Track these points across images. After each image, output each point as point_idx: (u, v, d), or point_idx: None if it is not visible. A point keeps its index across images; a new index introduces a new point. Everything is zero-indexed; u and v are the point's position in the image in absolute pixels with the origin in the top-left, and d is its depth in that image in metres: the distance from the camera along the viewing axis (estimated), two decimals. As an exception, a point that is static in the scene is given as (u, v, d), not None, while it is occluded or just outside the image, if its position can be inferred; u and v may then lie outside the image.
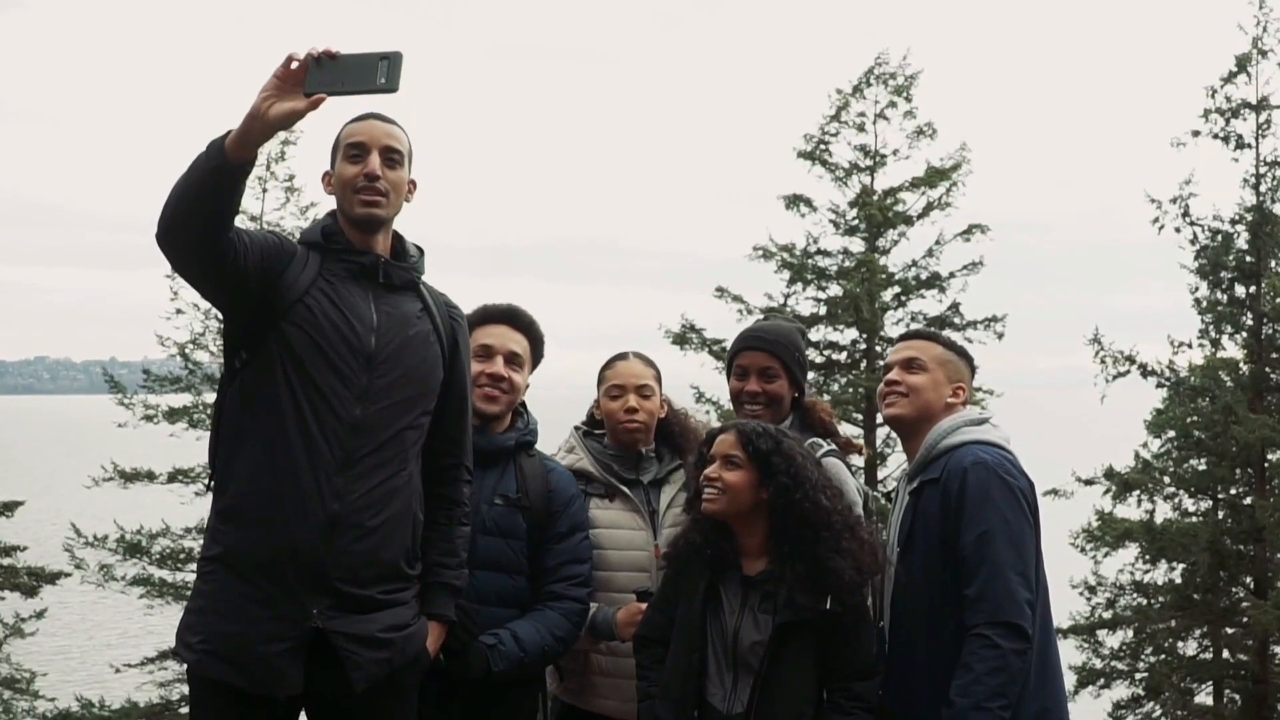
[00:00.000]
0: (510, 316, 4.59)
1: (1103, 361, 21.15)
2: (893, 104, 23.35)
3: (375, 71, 3.28)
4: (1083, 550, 21.61)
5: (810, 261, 23.26)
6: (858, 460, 4.97)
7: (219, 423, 3.81)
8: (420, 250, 4.02)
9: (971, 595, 3.98)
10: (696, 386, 23.05)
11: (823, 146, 23.38)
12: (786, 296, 23.25)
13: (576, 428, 5.00)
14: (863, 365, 23.22)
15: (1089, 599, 22.02)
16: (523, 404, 4.63)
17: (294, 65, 3.31)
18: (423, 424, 3.90)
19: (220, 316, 3.86)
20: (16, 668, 22.43)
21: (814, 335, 23.30)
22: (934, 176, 23.14)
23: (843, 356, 23.53)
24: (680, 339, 23.19)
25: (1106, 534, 21.14)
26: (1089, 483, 21.45)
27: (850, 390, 22.78)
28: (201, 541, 3.88)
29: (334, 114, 3.73)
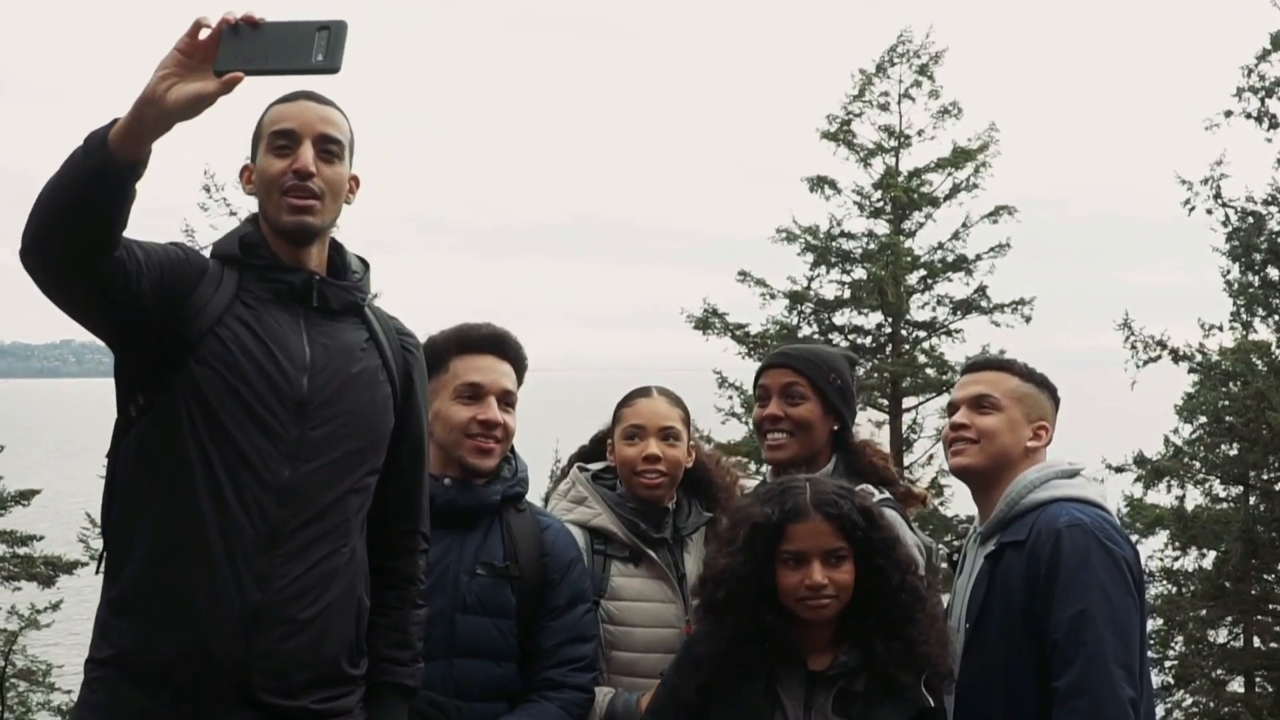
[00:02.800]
0: (497, 344, 3.77)
1: (1133, 347, 20.85)
2: (917, 83, 23.28)
3: (311, 45, 2.54)
4: (1111, 537, 21.32)
5: (834, 244, 23.14)
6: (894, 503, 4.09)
7: (112, 485, 3.07)
8: (365, 264, 3.26)
9: (1063, 689, 3.34)
10: (719, 371, 23.03)
11: (846, 127, 23.30)
12: (810, 280, 23.16)
13: (581, 467, 4.18)
14: (888, 349, 23.10)
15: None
16: (510, 447, 3.86)
17: (203, 34, 2.60)
18: (369, 485, 3.13)
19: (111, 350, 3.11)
20: (33, 660, 22.42)
21: (838, 319, 23.36)
22: (960, 157, 23.06)
23: (868, 341, 23.43)
24: (703, 324, 23.14)
25: (1136, 520, 20.94)
26: (1119, 470, 21.19)
27: (875, 375, 22.62)
28: (90, 641, 3.11)
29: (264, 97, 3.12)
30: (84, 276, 2.72)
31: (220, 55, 2.56)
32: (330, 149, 3.07)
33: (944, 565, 4.05)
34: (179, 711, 2.88)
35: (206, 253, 3.15)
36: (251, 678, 2.89)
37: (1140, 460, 21.24)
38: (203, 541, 2.87)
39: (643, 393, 4.14)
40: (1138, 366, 20.86)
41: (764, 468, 4.45)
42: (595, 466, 4.17)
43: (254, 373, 2.94)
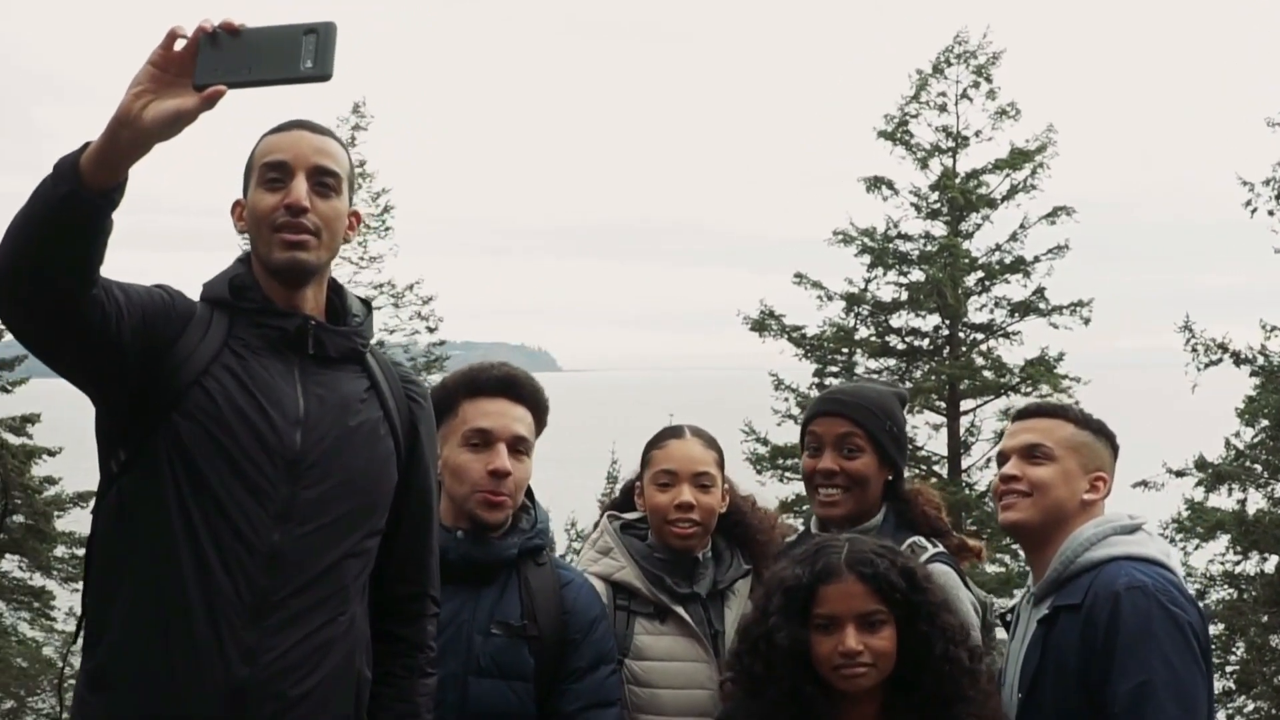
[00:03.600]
0: (509, 386, 3.50)
1: (1194, 349, 20.66)
2: (975, 84, 23.13)
3: (298, 51, 2.32)
4: (1172, 541, 21.16)
5: (891, 246, 23.09)
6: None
7: (92, 547, 2.87)
8: (367, 306, 3.04)
9: None
10: (775, 374, 23.03)
11: (903, 127, 23.21)
12: (867, 282, 23.14)
13: (612, 516, 3.94)
14: (945, 352, 23.00)
15: (1179, 591, 21.54)
16: (529, 495, 3.60)
17: (179, 44, 2.36)
18: (369, 548, 2.90)
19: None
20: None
21: (896, 321, 23.31)
22: (1018, 158, 22.93)
23: (925, 343, 23.37)
24: (759, 325, 23.16)
25: (1197, 525, 20.74)
26: (1180, 474, 21.00)
27: (933, 378, 22.53)
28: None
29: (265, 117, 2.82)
30: (58, 318, 2.50)
31: (199, 67, 2.34)
32: (326, 182, 2.84)
33: (997, 622, 3.78)
34: None
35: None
36: None
37: (1201, 464, 21.03)
38: (185, 611, 2.64)
39: (674, 433, 3.87)
40: (1199, 369, 20.71)
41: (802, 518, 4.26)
42: (630, 516, 3.92)
43: (242, 428, 2.71)
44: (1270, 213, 20.83)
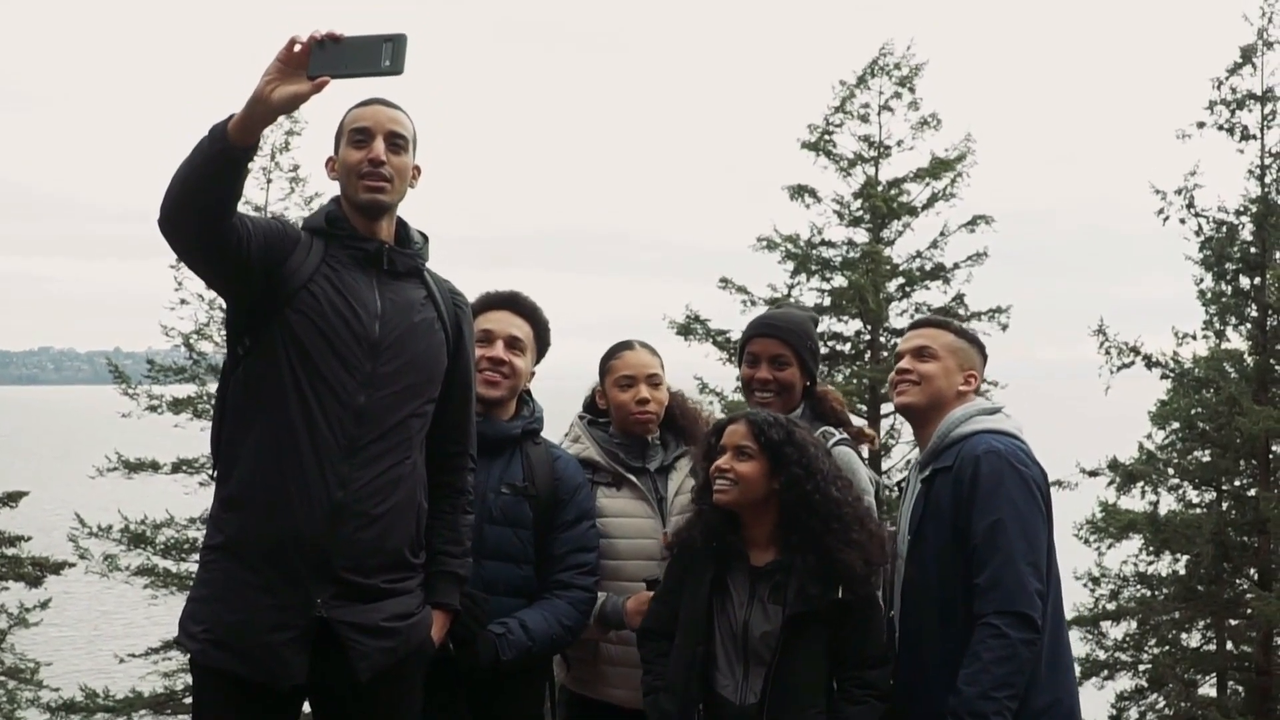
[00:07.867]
0: (511, 302, 4.58)
1: (1108, 353, 21.09)
2: (897, 95, 23.34)
3: (379, 54, 3.28)
4: (1086, 542, 21.56)
5: (814, 252, 23.27)
6: (867, 449, 5.09)
7: (222, 410, 3.83)
8: (425, 237, 4.02)
9: (982, 584, 4.01)
10: (700, 377, 23.11)
11: (827, 137, 23.38)
12: (791, 287, 23.26)
13: (581, 416, 4.98)
14: (867, 356, 23.22)
15: (1092, 590, 21.89)
16: (528, 392, 4.65)
17: (297, 48, 3.32)
18: (427, 412, 3.91)
19: (224, 304, 3.89)
20: (21, 658, 22.40)
21: (818, 326, 23.22)
22: (938, 167, 23.14)
23: (847, 348, 23.55)
24: (685, 330, 23.21)
25: (1110, 525, 21.08)
26: (1093, 474, 21.42)
27: (855, 381, 22.79)
28: (205, 532, 3.95)
29: (337, 99, 3.72)
30: (208, 240, 3.50)
31: (312, 64, 3.30)
32: (397, 142, 3.84)
33: (892, 494, 4.77)
34: (276, 584, 3.64)
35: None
36: (333, 559, 3.65)
37: (1114, 465, 21.43)
38: (296, 450, 3.64)
39: (626, 346, 4.88)
40: (1111, 372, 21.12)
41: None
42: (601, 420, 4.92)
43: (337, 320, 3.71)
44: (1181, 221, 21.31)
